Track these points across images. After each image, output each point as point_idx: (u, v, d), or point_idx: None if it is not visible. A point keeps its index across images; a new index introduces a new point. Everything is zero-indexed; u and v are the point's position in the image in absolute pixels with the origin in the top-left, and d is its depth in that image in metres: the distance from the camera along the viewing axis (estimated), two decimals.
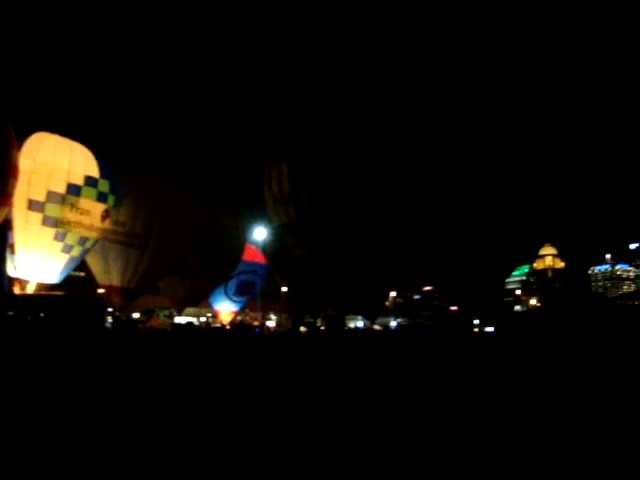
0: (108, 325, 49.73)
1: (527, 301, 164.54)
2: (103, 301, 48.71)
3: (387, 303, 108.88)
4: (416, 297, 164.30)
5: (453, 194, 56.05)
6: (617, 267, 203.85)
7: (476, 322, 79.40)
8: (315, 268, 49.24)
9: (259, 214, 58.95)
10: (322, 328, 63.33)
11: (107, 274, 51.96)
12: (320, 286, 51.09)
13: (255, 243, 67.55)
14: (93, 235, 46.61)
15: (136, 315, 63.23)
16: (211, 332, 47.59)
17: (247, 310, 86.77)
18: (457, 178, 58.58)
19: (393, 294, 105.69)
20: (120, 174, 48.87)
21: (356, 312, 67.87)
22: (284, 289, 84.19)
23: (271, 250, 70.95)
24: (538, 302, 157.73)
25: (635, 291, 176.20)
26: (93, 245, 47.63)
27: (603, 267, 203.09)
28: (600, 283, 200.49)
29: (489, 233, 55.52)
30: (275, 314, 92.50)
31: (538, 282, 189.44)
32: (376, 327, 77.94)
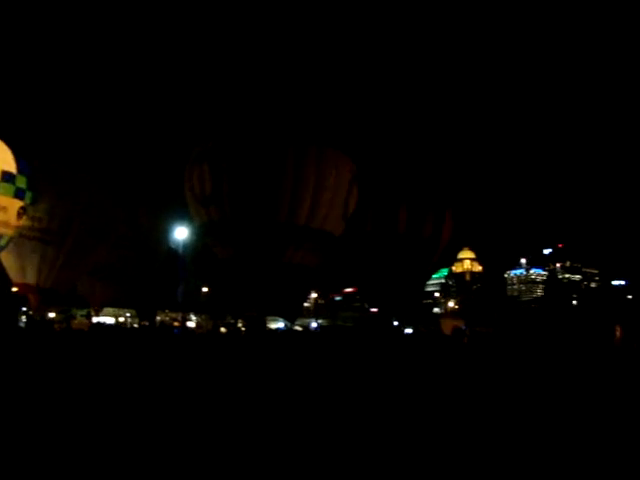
0: (22, 324, 48.47)
1: (445, 303, 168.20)
2: (17, 299, 47.47)
3: (308, 304, 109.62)
4: (337, 298, 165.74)
5: (373, 196, 56.92)
6: (531, 271, 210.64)
7: (395, 324, 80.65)
8: (236, 268, 49.18)
9: (181, 214, 58.50)
10: (243, 329, 63.35)
11: (22, 272, 50.46)
12: (241, 287, 51.05)
13: (176, 243, 66.98)
14: (8, 232, 45.28)
15: (52, 315, 61.77)
16: (129, 333, 47.07)
17: (167, 310, 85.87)
18: (381, 180, 59.58)
19: (314, 295, 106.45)
20: (38, 170, 47.61)
21: (276, 313, 68.08)
22: (205, 289, 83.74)
23: (193, 250, 70.59)
24: (456, 304, 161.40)
25: (547, 295, 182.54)
26: (7, 243, 46.27)
27: (518, 271, 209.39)
28: (515, 286, 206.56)
29: (407, 237, 56.63)
30: (195, 315, 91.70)
31: (456, 285, 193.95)
32: (297, 328, 78.37)
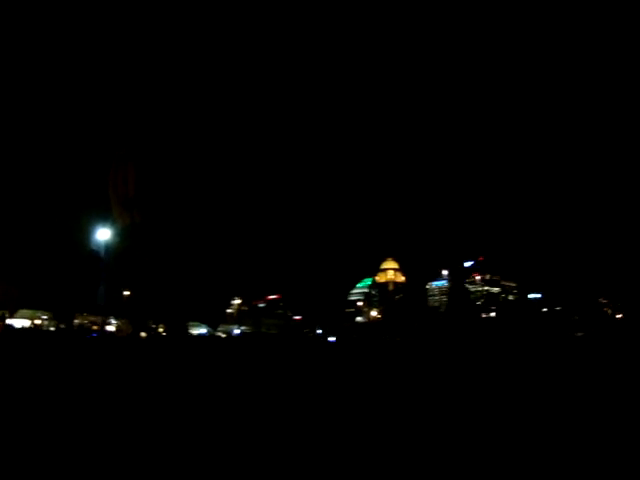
0: None
1: (368, 313, 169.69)
2: None
3: (231, 310, 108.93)
4: (261, 305, 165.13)
5: (299, 207, 57.21)
6: None
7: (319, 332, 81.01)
8: (157, 272, 48.58)
9: (104, 215, 57.36)
10: (164, 334, 62.52)
11: None
12: (161, 291, 50.42)
13: (98, 244, 65.67)
14: None
15: None
16: (40, 336, 45.81)
17: (85, 313, 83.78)
18: (306, 193, 59.74)
19: (238, 302, 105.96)
20: None
21: (197, 319, 67.58)
22: (126, 292, 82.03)
23: (115, 253, 69.16)
24: (378, 314, 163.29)
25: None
26: None
27: (440, 282, 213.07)
28: (437, 297, 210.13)
29: (335, 246, 57.10)
30: (116, 318, 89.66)
31: (379, 295, 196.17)
32: (219, 334, 77.88)
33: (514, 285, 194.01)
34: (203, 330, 75.45)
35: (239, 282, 68.68)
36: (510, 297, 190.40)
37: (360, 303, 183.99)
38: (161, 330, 66.28)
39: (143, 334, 64.34)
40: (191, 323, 66.63)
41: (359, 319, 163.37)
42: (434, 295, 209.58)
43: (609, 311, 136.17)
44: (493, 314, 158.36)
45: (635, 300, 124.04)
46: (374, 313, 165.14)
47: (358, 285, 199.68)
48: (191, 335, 65.06)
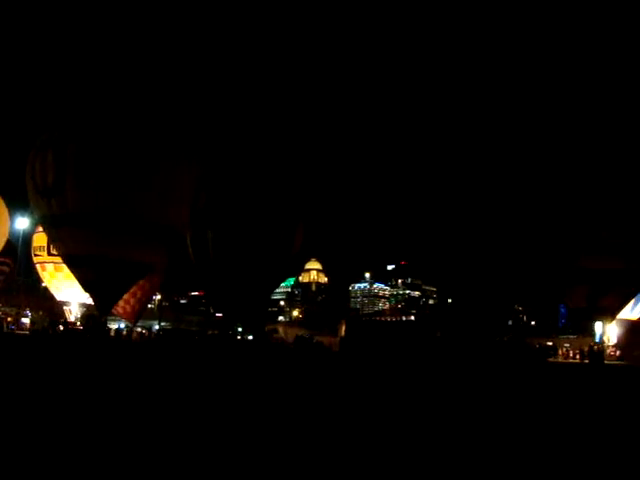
0: None
1: (290, 312, 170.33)
2: None
3: (152, 305, 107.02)
4: (182, 301, 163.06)
5: (219, 202, 56.52)
6: (375, 285, 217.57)
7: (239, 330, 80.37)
8: (76, 265, 47.12)
9: (22, 203, 55.52)
10: (81, 328, 60.87)
11: None
12: (82, 284, 49.02)
13: (16, 233, 63.53)
14: None
15: None
16: None
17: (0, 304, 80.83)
18: (233, 190, 59.14)
19: (158, 297, 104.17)
20: None
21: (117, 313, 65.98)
22: (44, 284, 79.43)
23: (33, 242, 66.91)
24: (300, 314, 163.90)
25: (389, 308, 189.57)
26: None
27: (362, 285, 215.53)
28: (359, 299, 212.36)
29: (260, 245, 56.67)
30: (31, 310, 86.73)
31: (302, 295, 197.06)
32: (138, 329, 76.35)
33: (434, 289, 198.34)
34: (122, 325, 73.87)
35: (162, 276, 67.43)
36: (430, 301, 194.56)
37: (282, 303, 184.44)
38: (79, 324, 64.45)
39: (61, 327, 62.56)
40: (109, 317, 65.06)
41: (281, 318, 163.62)
42: (356, 297, 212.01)
43: (524, 318, 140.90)
44: (412, 317, 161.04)
45: (549, 307, 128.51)
46: (296, 313, 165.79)
47: (281, 284, 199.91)
48: (108, 329, 63.49)
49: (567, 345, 79.84)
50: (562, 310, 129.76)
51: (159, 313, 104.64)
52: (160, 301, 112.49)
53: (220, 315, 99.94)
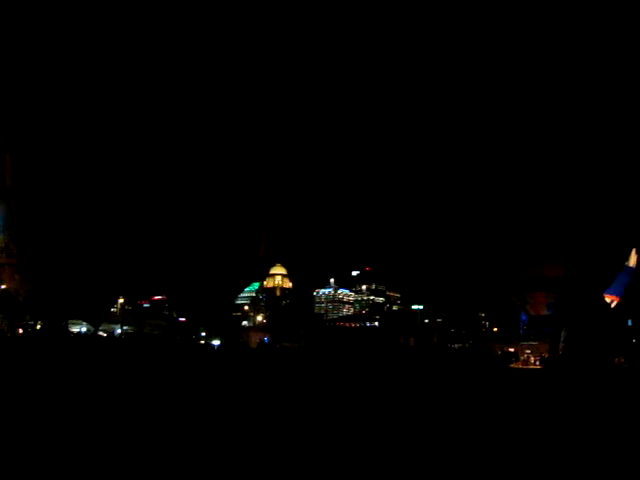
0: None
1: (255, 317, 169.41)
2: None
3: (115, 309, 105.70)
4: (146, 305, 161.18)
5: (188, 207, 56.38)
6: (339, 291, 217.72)
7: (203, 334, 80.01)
8: (34, 265, 46.55)
9: None
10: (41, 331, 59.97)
11: None
12: (38, 284, 48.36)
13: None
14: None
15: None
16: None
17: None
18: (197, 193, 58.94)
19: (121, 301, 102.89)
20: None
21: (79, 316, 65.22)
22: (3, 287, 78.07)
23: None
24: (264, 319, 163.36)
25: (353, 314, 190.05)
26: None
27: (327, 290, 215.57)
28: (323, 304, 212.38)
29: (224, 249, 56.55)
30: None
31: (266, 300, 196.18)
32: (101, 333, 75.47)
33: (398, 295, 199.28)
34: (83, 328, 72.93)
35: (125, 280, 66.89)
36: (394, 307, 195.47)
37: (246, 307, 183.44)
38: (38, 327, 63.49)
39: (21, 330, 61.55)
40: (71, 321, 64.21)
41: (245, 323, 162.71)
42: (321, 302, 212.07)
43: (486, 324, 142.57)
44: (377, 323, 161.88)
45: (510, 315, 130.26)
46: (260, 318, 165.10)
47: (246, 289, 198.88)
48: (69, 333, 62.74)
49: (528, 351, 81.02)
50: (523, 317, 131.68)
51: (121, 317, 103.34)
52: (122, 305, 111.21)
53: (184, 319, 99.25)
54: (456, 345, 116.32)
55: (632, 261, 70.93)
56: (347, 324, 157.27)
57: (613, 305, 70.10)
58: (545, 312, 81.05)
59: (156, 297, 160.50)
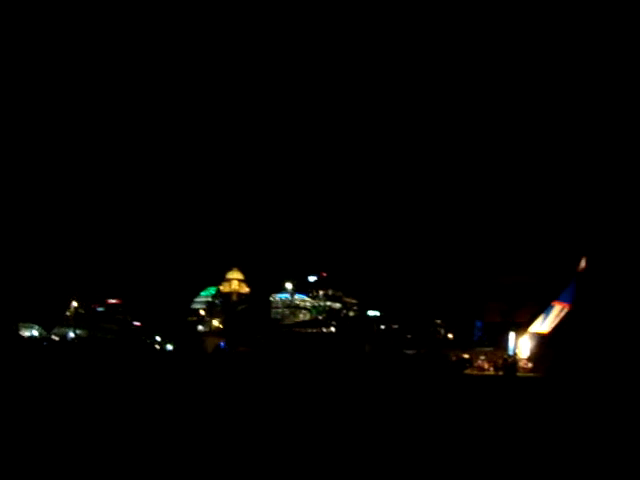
0: None
1: (210, 322, 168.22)
2: None
3: (69, 313, 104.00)
4: (99, 309, 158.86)
5: (141, 210, 55.96)
6: (296, 296, 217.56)
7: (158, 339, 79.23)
8: None
9: None
10: None
11: None
12: None
13: None
14: None
15: None
16: None
17: None
18: (151, 194, 58.51)
19: (75, 304, 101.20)
20: None
21: (30, 319, 63.98)
22: None
23: None
24: (220, 324, 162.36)
25: (310, 320, 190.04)
26: None
27: (284, 295, 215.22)
28: (280, 310, 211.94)
29: (180, 253, 56.20)
30: None
31: (222, 304, 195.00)
32: (53, 337, 74.18)
33: (355, 302, 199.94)
34: (35, 332, 71.62)
35: (78, 283, 65.77)
36: (351, 313, 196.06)
37: (202, 312, 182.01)
38: None
39: None
40: (22, 324, 62.99)
41: (200, 328, 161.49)
42: (277, 307, 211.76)
43: (442, 331, 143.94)
44: (333, 329, 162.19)
45: (465, 321, 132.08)
46: (216, 323, 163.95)
47: (202, 293, 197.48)
48: (19, 337, 61.57)
49: (482, 357, 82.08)
50: (478, 324, 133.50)
51: (74, 321, 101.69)
52: (76, 309, 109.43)
53: (138, 324, 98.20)
54: (411, 351, 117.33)
55: (581, 268, 72.57)
56: (304, 330, 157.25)
57: (563, 314, 71.56)
58: (499, 319, 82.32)
59: (111, 301, 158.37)
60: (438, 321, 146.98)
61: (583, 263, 72.16)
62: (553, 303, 72.33)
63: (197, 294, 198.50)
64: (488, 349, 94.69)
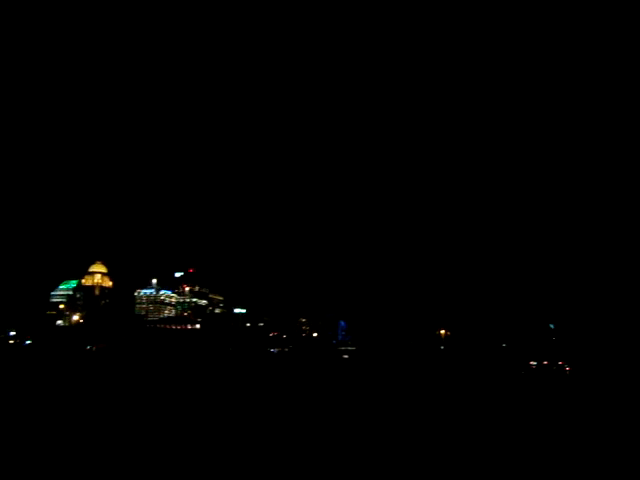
0: None
1: (70, 316, 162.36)
2: None
3: None
4: None
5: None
6: (161, 292, 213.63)
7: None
8: None
9: None
10: None
11: None
12: None
13: None
14: None
15: None
16: None
17: None
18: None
19: None
20: None
21: None
22: None
23: None
24: (81, 318, 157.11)
25: (175, 316, 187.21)
26: None
27: (148, 291, 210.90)
28: (144, 305, 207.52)
29: (35, 244, 54.08)
30: None
31: (84, 299, 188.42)
32: None
33: (221, 299, 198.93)
34: None
35: None
36: (217, 310, 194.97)
37: (62, 306, 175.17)
38: None
39: None
40: None
41: (60, 322, 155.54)
42: (142, 303, 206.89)
43: (307, 329, 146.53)
44: (198, 325, 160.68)
45: (329, 320, 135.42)
46: (76, 317, 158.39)
47: (61, 286, 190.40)
48: None
49: (345, 357, 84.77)
50: (342, 324, 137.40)
51: None
52: None
53: None
54: (276, 349, 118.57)
55: None
56: (169, 326, 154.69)
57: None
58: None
59: None
60: (303, 319, 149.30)
61: None
62: None
63: (56, 287, 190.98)
64: (351, 348, 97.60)
